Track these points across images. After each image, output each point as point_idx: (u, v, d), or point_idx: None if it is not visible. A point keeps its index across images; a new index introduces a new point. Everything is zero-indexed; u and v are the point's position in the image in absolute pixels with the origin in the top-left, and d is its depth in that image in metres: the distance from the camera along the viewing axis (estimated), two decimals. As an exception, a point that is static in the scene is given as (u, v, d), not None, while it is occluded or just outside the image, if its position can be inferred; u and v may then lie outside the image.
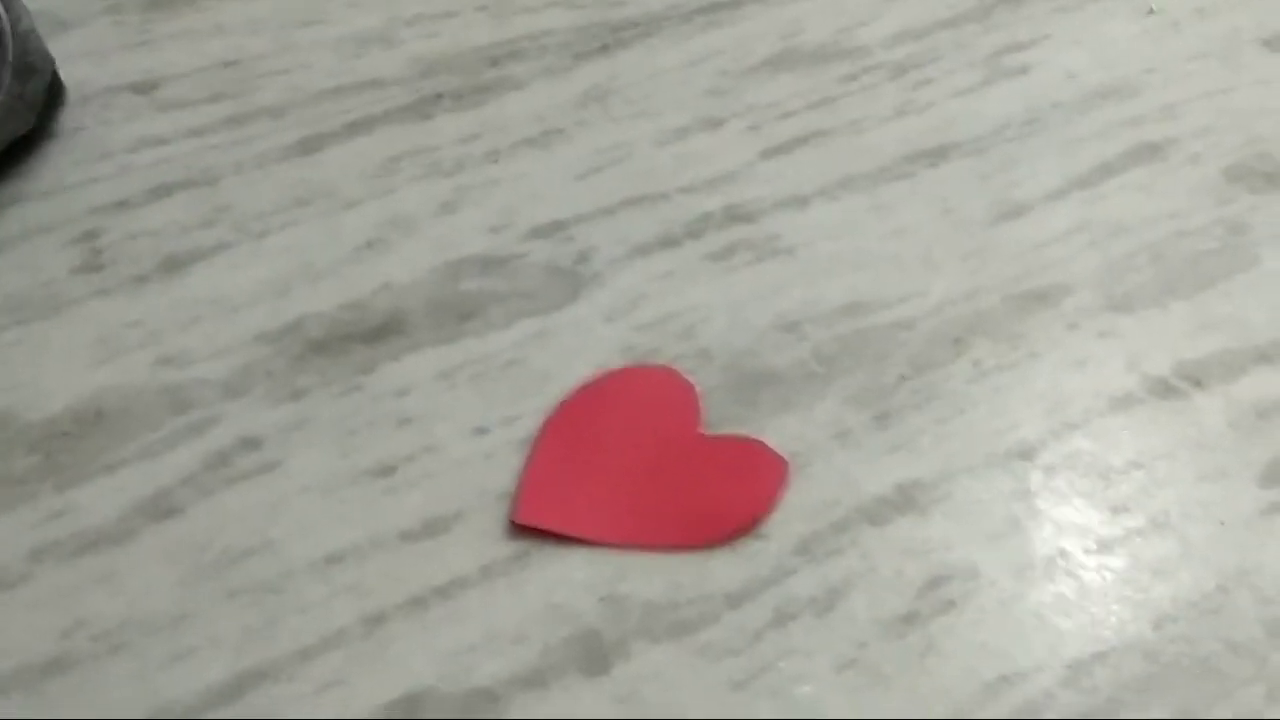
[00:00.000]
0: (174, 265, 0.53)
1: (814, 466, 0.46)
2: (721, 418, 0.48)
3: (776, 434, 0.47)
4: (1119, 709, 0.39)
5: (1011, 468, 0.46)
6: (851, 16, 0.66)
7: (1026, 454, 0.46)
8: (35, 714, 0.40)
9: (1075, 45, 0.64)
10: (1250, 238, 0.54)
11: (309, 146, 0.59)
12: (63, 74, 0.59)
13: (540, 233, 0.55)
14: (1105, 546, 0.43)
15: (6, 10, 0.54)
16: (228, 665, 0.41)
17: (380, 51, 0.64)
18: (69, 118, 0.59)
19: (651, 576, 0.43)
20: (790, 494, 0.46)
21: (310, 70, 0.63)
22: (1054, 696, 0.40)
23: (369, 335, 0.51)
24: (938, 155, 0.59)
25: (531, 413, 0.48)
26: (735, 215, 0.57)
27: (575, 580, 0.43)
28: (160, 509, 0.45)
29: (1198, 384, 0.48)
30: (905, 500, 0.45)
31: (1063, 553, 0.43)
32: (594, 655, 0.41)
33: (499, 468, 0.47)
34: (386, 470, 0.47)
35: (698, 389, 0.49)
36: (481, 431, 0.48)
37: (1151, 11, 0.66)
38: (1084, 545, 0.43)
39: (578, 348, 0.51)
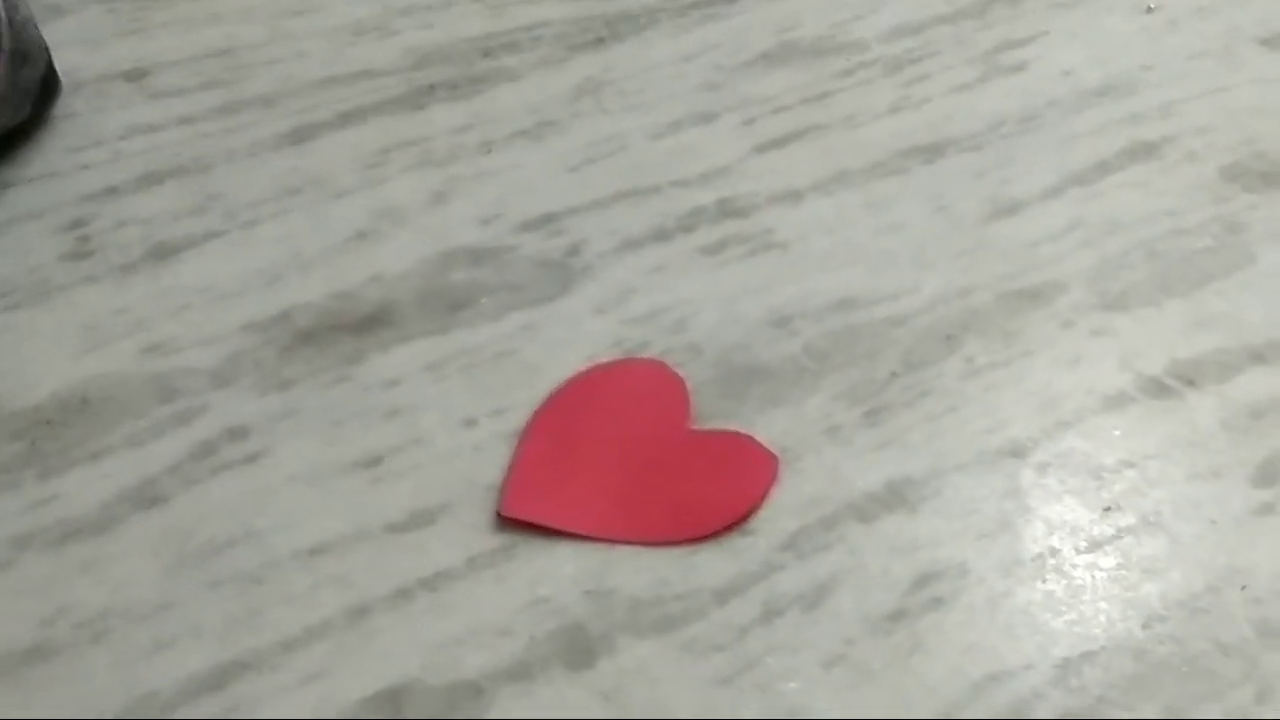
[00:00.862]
0: (163, 253, 0.53)
1: (804, 462, 0.46)
2: (711, 412, 0.48)
3: (766, 429, 0.47)
4: (1107, 709, 0.39)
5: (1002, 466, 0.46)
6: (848, 11, 0.66)
7: (1018, 452, 0.46)
8: (14, 702, 0.39)
9: (1073, 42, 0.64)
10: (1246, 236, 0.54)
11: (301, 136, 0.59)
12: (56, 60, 0.58)
13: (531, 225, 0.55)
14: (1095, 545, 0.43)
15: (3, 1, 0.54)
16: (210, 655, 0.41)
17: (374, 41, 0.63)
18: (61, 105, 0.59)
19: (638, 571, 0.43)
20: (779, 490, 0.45)
21: (303, 59, 0.62)
22: (1043, 696, 0.39)
23: (358, 326, 0.51)
24: (933, 151, 0.59)
25: (521, 405, 0.48)
26: (728, 209, 0.56)
27: (561, 574, 0.43)
28: (145, 498, 0.45)
29: (1191, 383, 0.48)
30: (895, 497, 0.45)
31: (1053, 551, 0.43)
32: (579, 649, 0.41)
33: (487, 460, 0.46)
34: (373, 461, 0.46)
35: (688, 383, 0.49)
36: (470, 423, 0.47)
37: (1150, 9, 0.65)
38: (1074, 544, 0.43)
39: (568, 340, 0.50)
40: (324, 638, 0.41)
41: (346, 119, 0.59)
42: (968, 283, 0.52)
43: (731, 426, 0.47)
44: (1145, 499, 0.44)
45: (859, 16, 0.65)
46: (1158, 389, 0.48)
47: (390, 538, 0.44)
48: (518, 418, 0.48)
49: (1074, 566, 0.43)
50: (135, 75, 0.61)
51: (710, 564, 0.43)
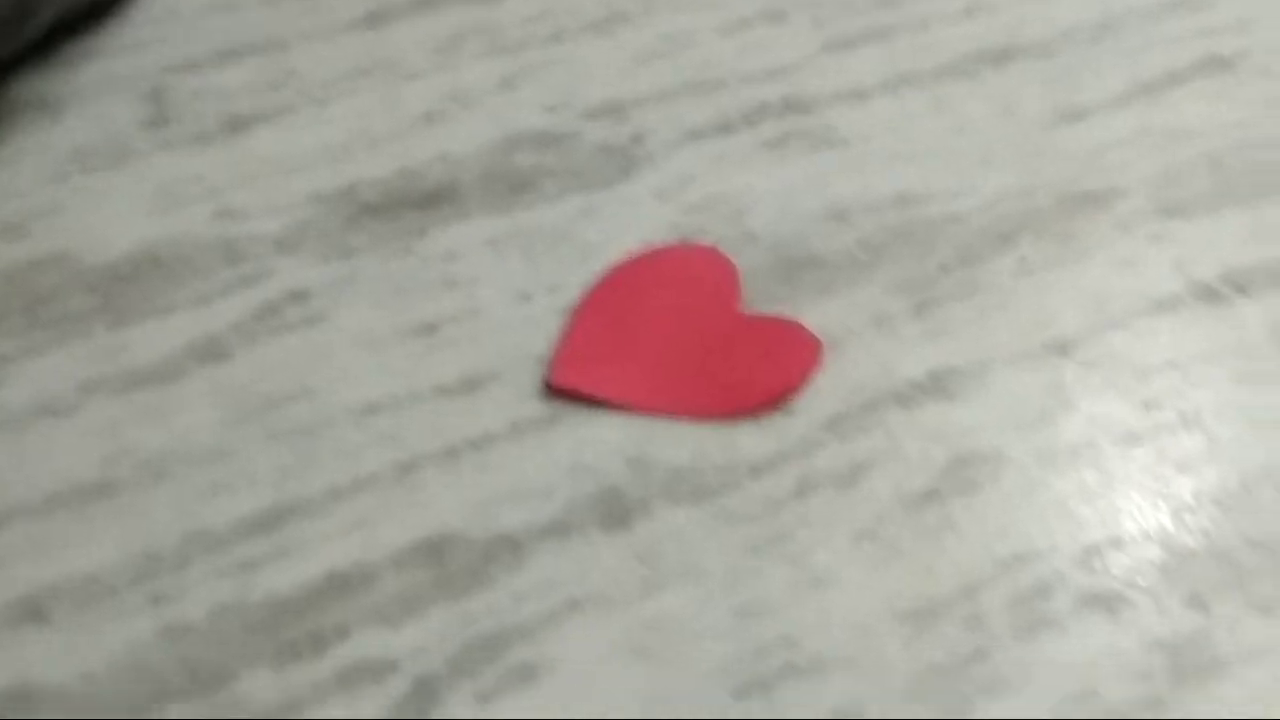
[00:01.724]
0: (237, 125, 0.55)
1: (850, 349, 0.47)
2: (763, 298, 0.49)
3: (816, 316, 0.48)
4: (1130, 593, 0.39)
5: (1047, 361, 0.46)
6: (926, -86, 0.65)
7: (1064, 348, 0.46)
8: (79, 532, 0.41)
9: (1153, -48, 0.63)
10: (1315, 151, 0.53)
11: (376, 20, 0.60)
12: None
13: (596, 113, 0.56)
14: (1133, 439, 0.43)
15: None
16: (262, 500, 0.43)
17: (451, -72, 0.64)
18: (145, -21, 0.61)
19: (679, 443, 0.44)
20: (824, 375, 0.46)
21: (381, -57, 0.63)
22: (1065, 578, 0.40)
23: (422, 201, 0.52)
24: (1003, 56, 0.58)
25: (575, 283, 0.49)
26: (793, 105, 0.56)
27: (604, 442, 0.44)
28: (209, 352, 0.47)
29: (1243, 291, 0.48)
30: (937, 386, 0.45)
31: (1090, 443, 0.43)
32: (616, 512, 0.42)
33: (539, 333, 0.47)
34: (429, 329, 0.48)
35: (741, 269, 0.49)
36: (525, 298, 0.49)
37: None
38: (1111, 437, 0.43)
39: (626, 224, 0.51)
40: (371, 489, 0.43)
41: (421, 5, 0.60)
42: (1028, 184, 0.52)
43: (781, 312, 0.48)
44: (1186, 399, 0.45)
45: (937, -80, 0.65)
46: (1209, 295, 0.48)
47: (441, 400, 0.45)
48: (571, 295, 0.49)
49: (1109, 459, 0.43)
50: (218, -47, 0.63)
51: (750, 440, 0.44)
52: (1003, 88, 0.57)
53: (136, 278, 0.49)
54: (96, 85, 0.56)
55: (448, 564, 0.41)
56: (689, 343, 0.47)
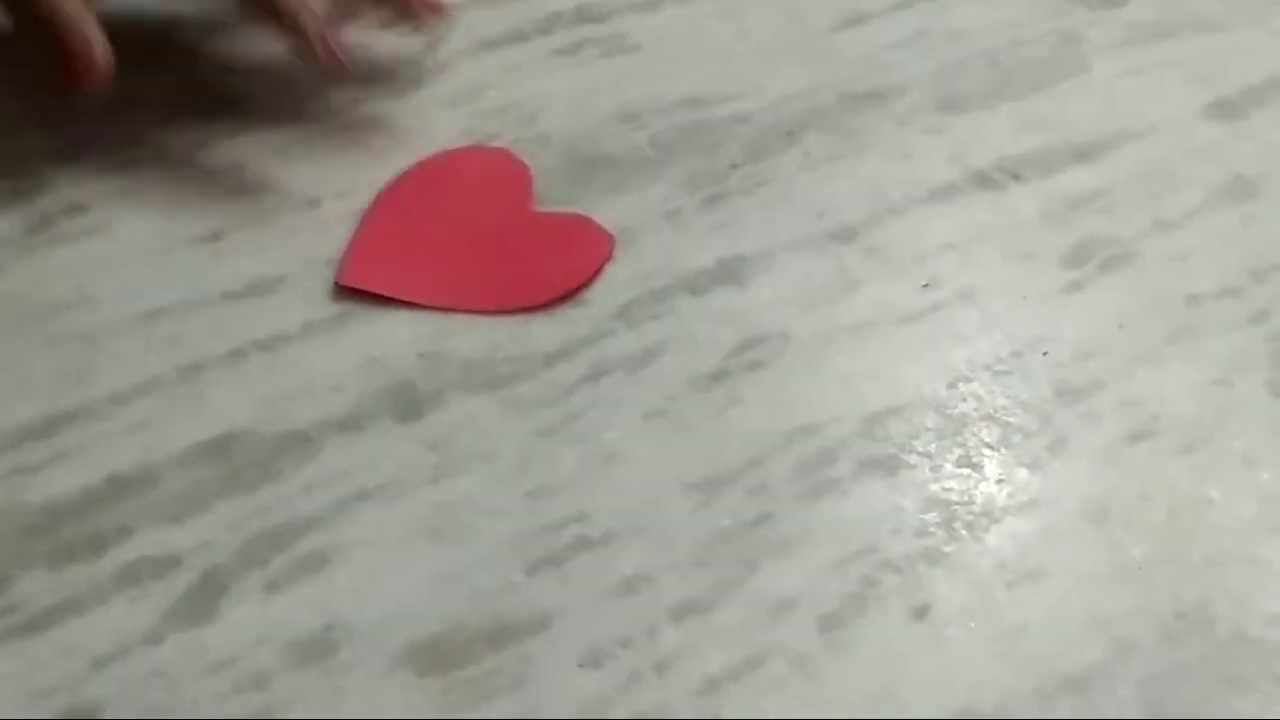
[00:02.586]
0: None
1: (641, 242, 0.47)
2: (555, 198, 0.49)
3: (608, 212, 0.48)
4: (908, 456, 0.41)
5: (831, 247, 0.47)
6: None
7: (846, 235, 0.48)
8: None
9: None
10: (1082, 48, 0.55)
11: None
12: None
13: (389, 24, 0.55)
14: (912, 317, 0.45)
15: None
16: (39, 407, 0.41)
17: None
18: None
19: (472, 336, 0.44)
20: (615, 267, 0.47)
21: None
22: (848, 445, 0.41)
23: (205, 111, 0.51)
24: (788, -33, 0.59)
25: (365, 188, 0.49)
26: (585, 15, 0.57)
27: (396, 338, 0.44)
28: (-19, 264, 0.45)
29: (1016, 177, 0.50)
30: (726, 273, 0.46)
31: (871, 321, 0.45)
32: (408, 404, 0.42)
33: (329, 237, 0.47)
34: (214, 236, 0.47)
35: (534, 170, 0.49)
36: (313, 203, 0.48)
37: None
38: (891, 316, 0.45)
39: (417, 130, 0.51)
40: (153, 393, 0.42)
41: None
42: (811, 85, 0.54)
43: (575, 210, 0.48)
44: (961, 277, 0.46)
45: None
46: (983, 181, 0.50)
47: (227, 304, 0.45)
48: (362, 199, 0.48)
49: (889, 335, 0.44)
50: None
51: (543, 331, 0.44)
52: (789, -4, 0.58)
53: (-99, 191, 0.47)
54: None
55: (235, 461, 0.41)
56: (481, 241, 0.47)
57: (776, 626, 0.37)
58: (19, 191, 0.47)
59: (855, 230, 0.48)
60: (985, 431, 0.42)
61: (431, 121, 0.51)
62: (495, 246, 0.47)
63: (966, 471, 0.40)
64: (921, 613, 0.37)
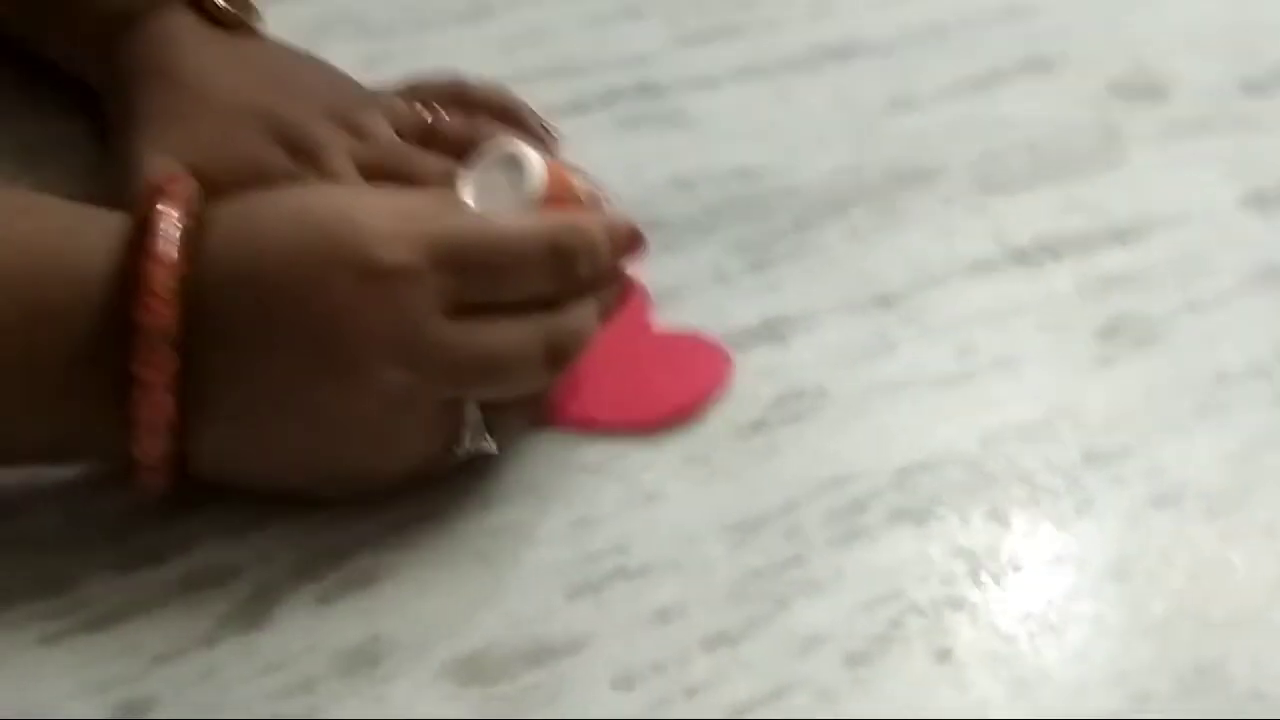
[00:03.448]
0: None
1: (688, 300, 0.50)
2: (609, 257, 0.51)
3: (657, 271, 0.50)
4: (937, 509, 0.42)
5: (871, 312, 0.49)
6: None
7: (887, 301, 0.50)
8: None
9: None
10: (1123, 140, 0.58)
11: None
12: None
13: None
14: (948, 381, 0.47)
15: None
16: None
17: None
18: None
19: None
20: (660, 323, 0.49)
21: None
22: (879, 495, 0.43)
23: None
24: (845, 53, 0.63)
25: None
26: (646, 91, 0.60)
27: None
28: None
29: (1054, 255, 0.52)
30: (769, 331, 0.48)
31: (907, 382, 0.47)
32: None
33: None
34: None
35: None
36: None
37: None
38: (927, 377, 0.47)
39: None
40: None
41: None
42: (860, 162, 0.56)
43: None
44: (997, 345, 0.48)
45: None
46: (1022, 258, 0.52)
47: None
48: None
49: (924, 396, 0.46)
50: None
51: (591, 378, 0.46)
52: (841, 80, 0.61)
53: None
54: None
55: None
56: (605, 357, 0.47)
57: (804, 661, 0.38)
58: None
59: (896, 297, 0.50)
60: (1014, 489, 0.43)
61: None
62: (615, 364, 0.46)
63: (994, 526, 0.42)
64: (944, 655, 0.38)
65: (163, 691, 0.37)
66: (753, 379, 0.47)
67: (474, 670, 0.38)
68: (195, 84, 0.50)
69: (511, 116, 0.52)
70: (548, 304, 0.40)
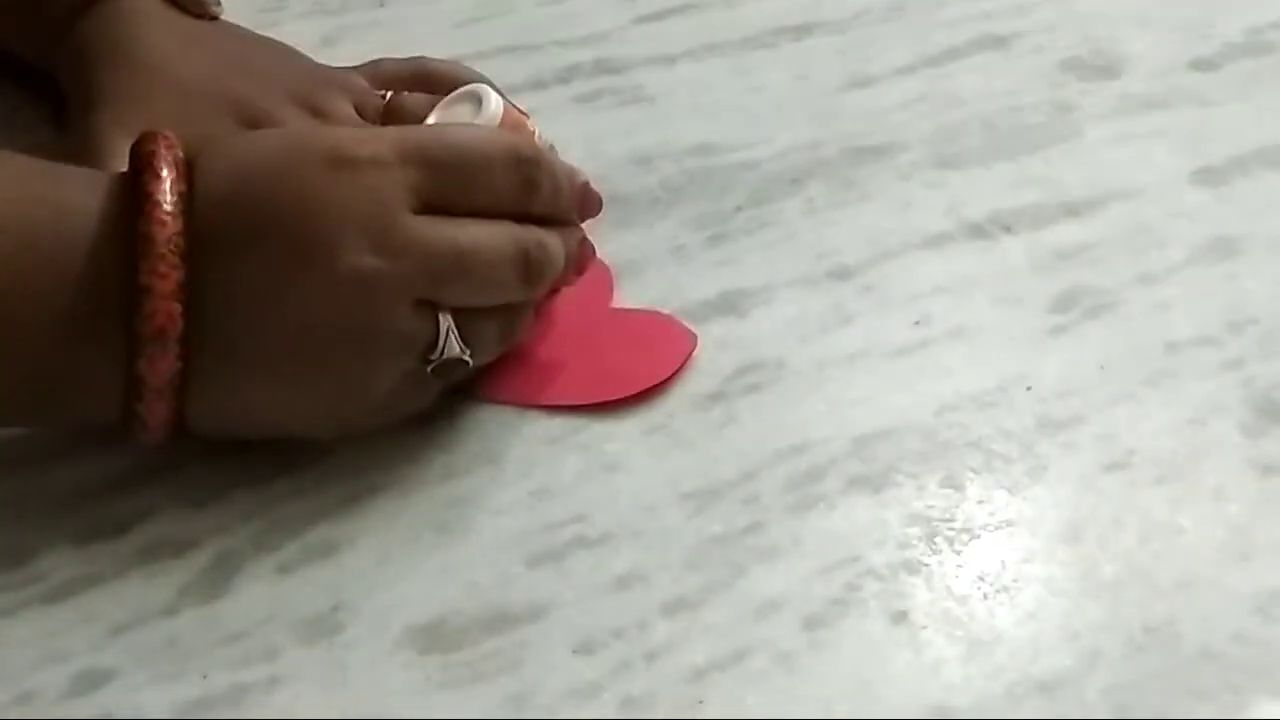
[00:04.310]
0: None
1: (646, 274, 0.50)
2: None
3: (615, 245, 0.51)
4: (894, 476, 0.43)
5: (828, 284, 0.50)
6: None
7: (843, 274, 0.50)
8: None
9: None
10: (1075, 116, 0.58)
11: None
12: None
13: (415, 68, 0.58)
14: (903, 351, 0.47)
15: None
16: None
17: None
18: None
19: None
20: (620, 298, 0.49)
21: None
22: (837, 463, 0.43)
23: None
24: (802, 31, 0.63)
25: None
26: (604, 68, 0.60)
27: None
28: None
29: (1007, 229, 0.52)
30: (726, 304, 0.49)
31: (864, 353, 0.47)
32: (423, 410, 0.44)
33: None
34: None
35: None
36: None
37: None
38: (882, 349, 0.47)
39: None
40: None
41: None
42: (817, 138, 0.57)
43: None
44: (951, 317, 0.49)
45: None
46: (976, 232, 0.52)
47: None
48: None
49: (880, 366, 0.47)
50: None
51: (550, 351, 0.47)
52: (799, 57, 0.62)
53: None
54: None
55: (253, 455, 0.43)
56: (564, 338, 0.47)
57: (762, 624, 0.38)
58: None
59: (852, 270, 0.50)
60: (968, 456, 0.44)
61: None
62: (577, 343, 0.47)
63: (949, 491, 0.42)
64: (900, 617, 0.39)
65: (123, 662, 0.37)
66: (712, 351, 0.47)
67: (434, 638, 0.38)
68: (156, 65, 0.50)
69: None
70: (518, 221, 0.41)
